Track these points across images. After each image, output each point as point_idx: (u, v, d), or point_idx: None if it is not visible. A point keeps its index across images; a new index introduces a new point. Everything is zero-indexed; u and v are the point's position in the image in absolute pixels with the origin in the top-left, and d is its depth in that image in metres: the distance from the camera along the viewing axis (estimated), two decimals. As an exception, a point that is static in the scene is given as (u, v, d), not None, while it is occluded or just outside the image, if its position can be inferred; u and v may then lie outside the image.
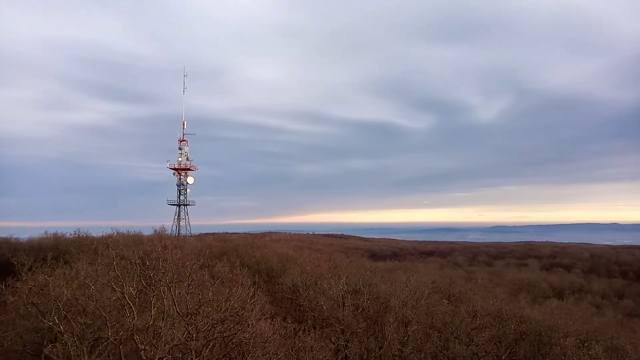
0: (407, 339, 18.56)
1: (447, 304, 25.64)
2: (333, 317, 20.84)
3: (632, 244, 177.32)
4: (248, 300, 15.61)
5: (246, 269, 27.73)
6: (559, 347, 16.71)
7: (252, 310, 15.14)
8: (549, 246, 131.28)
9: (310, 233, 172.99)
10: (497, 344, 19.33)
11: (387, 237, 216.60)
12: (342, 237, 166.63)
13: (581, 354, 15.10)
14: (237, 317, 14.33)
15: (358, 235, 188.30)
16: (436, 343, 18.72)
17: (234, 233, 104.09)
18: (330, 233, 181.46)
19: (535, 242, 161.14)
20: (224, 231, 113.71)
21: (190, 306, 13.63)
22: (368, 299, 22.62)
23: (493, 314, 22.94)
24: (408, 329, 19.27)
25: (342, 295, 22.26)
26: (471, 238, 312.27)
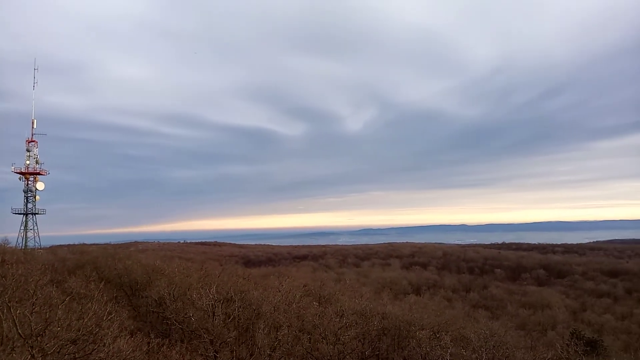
0: (277, 344, 18.68)
1: (318, 306, 26.38)
2: (202, 328, 20.11)
3: (477, 243, 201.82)
4: (105, 317, 14.31)
5: (106, 283, 25.48)
6: (414, 340, 18.25)
7: (109, 328, 13.90)
8: (409, 246, 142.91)
9: (182, 242, 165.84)
10: (362, 341, 20.44)
11: (262, 243, 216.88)
12: (215, 244, 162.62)
13: (433, 344, 16.71)
14: (92, 336, 13.04)
15: (233, 242, 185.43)
16: (305, 345, 19.15)
17: (94, 244, 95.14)
18: (204, 241, 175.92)
19: (397, 243, 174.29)
20: (82, 242, 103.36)
21: (35, 327, 12.06)
22: (240, 306, 22.27)
23: (359, 313, 24.15)
24: (279, 333, 19.41)
25: (212, 305, 21.59)
26: (342, 241, 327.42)
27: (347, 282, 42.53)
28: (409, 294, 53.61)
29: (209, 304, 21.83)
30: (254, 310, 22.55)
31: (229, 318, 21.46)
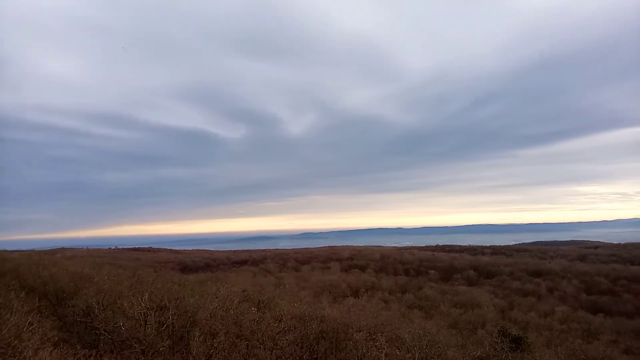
0: (213, 351, 18.23)
1: (256, 311, 26.06)
2: (133, 338, 19.22)
3: (413, 245, 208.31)
4: (25, 328, 13.32)
5: (29, 292, 23.77)
6: (351, 342, 18.49)
7: (30, 340, 12.95)
8: (349, 250, 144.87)
9: (113, 248, 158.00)
10: (300, 345, 20.43)
11: (200, 248, 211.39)
12: (150, 250, 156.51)
13: (369, 345, 17.02)
14: (10, 348, 12.10)
15: (169, 248, 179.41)
16: (242, 351, 18.85)
17: (16, 251, 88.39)
18: (137, 247, 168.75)
19: (338, 246, 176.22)
20: (3, 249, 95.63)
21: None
22: (174, 314, 21.52)
23: (298, 317, 24.12)
24: (215, 340, 18.96)
25: (145, 313, 20.71)
26: (282, 245, 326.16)
27: (287, 286, 42.40)
28: (348, 297, 54.26)
29: (140, 313, 20.93)
30: (190, 317, 21.87)
31: (162, 326, 20.67)
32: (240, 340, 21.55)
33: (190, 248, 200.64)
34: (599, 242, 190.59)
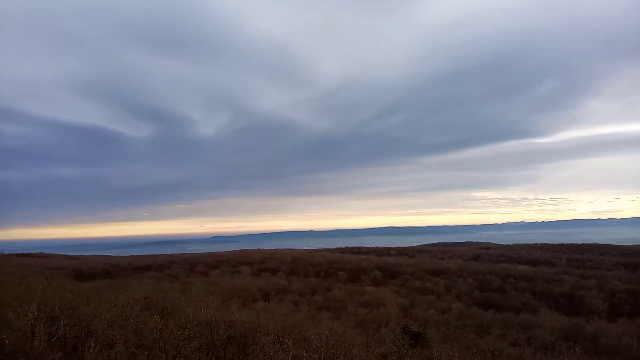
0: (110, 363, 17.06)
1: (159, 319, 24.84)
2: (19, 351, 17.38)
3: (324, 248, 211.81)
4: None
5: None
6: (259, 346, 18.32)
7: None
8: (260, 253, 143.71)
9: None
10: (206, 351, 19.80)
11: (99, 253, 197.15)
12: (41, 256, 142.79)
13: (276, 348, 16.98)
14: None
15: (62, 254, 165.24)
16: (143, 361, 17.84)
17: None
18: (26, 252, 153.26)
19: (249, 250, 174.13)
20: None
21: None
22: (66, 324, 19.82)
23: (204, 323, 23.38)
24: (112, 351, 17.75)
25: (32, 324, 18.85)
26: (191, 249, 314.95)
27: (194, 292, 40.96)
28: (258, 301, 53.81)
29: (28, 324, 19.05)
30: (84, 327, 20.28)
31: (52, 338, 18.95)
32: (141, 349, 20.39)
33: (87, 253, 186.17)
34: (491, 243, 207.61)
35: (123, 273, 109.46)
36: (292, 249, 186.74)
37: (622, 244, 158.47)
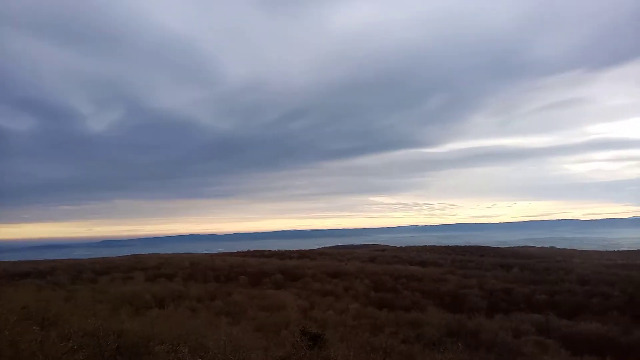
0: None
1: (39, 330, 22.59)
2: None
3: (225, 252, 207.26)
4: None
5: None
6: (151, 355, 17.45)
7: None
8: (155, 258, 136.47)
9: None
10: (92, 364, 18.39)
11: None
12: None
13: (170, 357, 16.30)
14: None
15: None
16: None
17: None
18: None
19: (143, 254, 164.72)
20: None
21: None
22: None
23: (90, 333, 21.73)
24: (-20, 370, 15.81)
25: None
26: (77, 255, 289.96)
27: (80, 300, 37.90)
28: (152, 308, 51.21)
29: None
30: (-56, 344, 17.82)
31: None
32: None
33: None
34: (386, 245, 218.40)
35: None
36: (191, 253, 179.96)
37: (499, 246, 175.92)
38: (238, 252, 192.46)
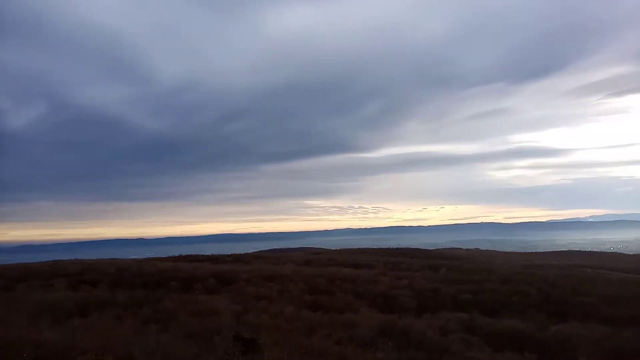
0: None
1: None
2: None
3: (154, 256, 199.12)
4: None
5: None
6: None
7: None
8: (78, 263, 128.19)
9: None
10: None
11: None
12: None
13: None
14: None
15: None
16: None
17: None
18: None
19: (65, 260, 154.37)
20: None
21: None
22: None
23: (6, 345, 20.23)
24: None
25: None
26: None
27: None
28: (75, 317, 48.28)
29: None
30: None
31: None
32: None
33: None
34: (321, 248, 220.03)
35: None
36: (118, 259, 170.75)
37: (428, 248, 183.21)
38: (169, 257, 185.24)
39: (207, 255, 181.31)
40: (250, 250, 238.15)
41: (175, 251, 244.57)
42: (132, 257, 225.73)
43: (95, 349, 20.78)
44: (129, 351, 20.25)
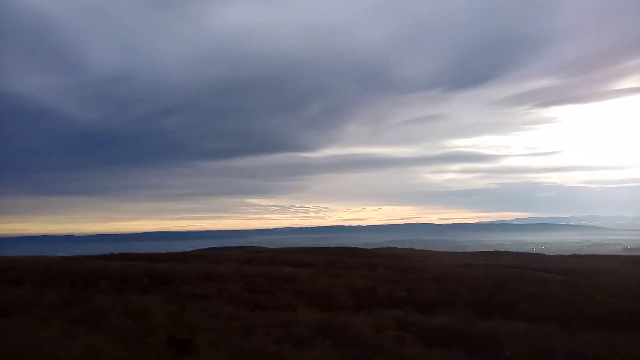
0: None
1: None
2: None
3: (84, 254, 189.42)
4: None
5: None
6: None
7: None
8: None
9: None
10: None
11: None
12: None
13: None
14: None
15: None
16: None
17: None
18: None
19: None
20: None
21: None
22: None
23: None
24: None
25: None
26: None
27: None
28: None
29: None
30: None
31: None
32: None
33: None
34: (262, 247, 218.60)
35: None
36: (44, 256, 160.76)
37: (366, 247, 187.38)
38: (100, 255, 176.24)
39: (142, 253, 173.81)
40: (188, 249, 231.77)
41: (106, 249, 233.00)
42: (61, 254, 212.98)
43: (17, 353, 19.52)
44: (54, 354, 19.21)
